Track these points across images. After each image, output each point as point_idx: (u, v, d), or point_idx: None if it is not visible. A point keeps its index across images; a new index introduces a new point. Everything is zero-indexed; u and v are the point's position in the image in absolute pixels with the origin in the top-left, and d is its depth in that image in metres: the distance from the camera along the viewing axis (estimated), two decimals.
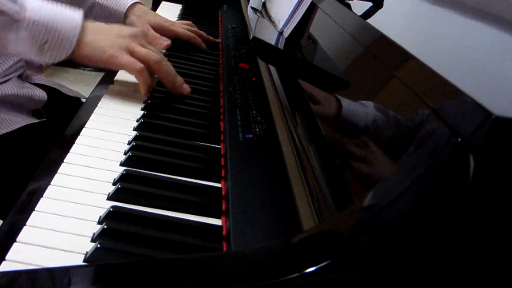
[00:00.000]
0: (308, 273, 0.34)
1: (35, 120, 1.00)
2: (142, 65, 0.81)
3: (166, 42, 1.00)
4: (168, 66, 0.85)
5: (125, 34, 0.83)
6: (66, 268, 0.42)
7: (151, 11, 1.22)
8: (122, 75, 0.92)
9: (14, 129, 0.94)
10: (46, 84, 1.13)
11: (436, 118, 0.36)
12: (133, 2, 1.18)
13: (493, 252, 0.34)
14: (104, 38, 0.81)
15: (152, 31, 0.87)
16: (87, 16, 1.24)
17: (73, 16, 0.79)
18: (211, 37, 1.25)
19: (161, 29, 1.18)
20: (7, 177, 0.91)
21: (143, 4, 1.21)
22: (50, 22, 0.77)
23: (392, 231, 0.34)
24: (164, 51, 1.12)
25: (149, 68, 0.83)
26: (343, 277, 0.35)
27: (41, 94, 1.03)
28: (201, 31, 1.25)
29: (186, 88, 0.88)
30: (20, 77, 1.03)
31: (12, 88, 0.96)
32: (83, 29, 0.79)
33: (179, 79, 0.88)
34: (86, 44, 0.79)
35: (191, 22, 1.28)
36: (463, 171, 0.32)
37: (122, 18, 1.18)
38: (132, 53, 0.82)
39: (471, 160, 0.32)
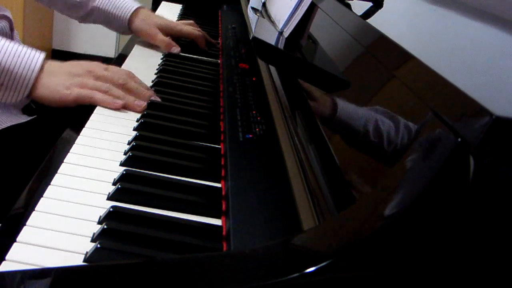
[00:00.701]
0: (308, 273, 0.34)
1: (25, 119, 0.99)
2: (92, 93, 0.81)
3: (149, 92, 0.97)
4: (119, 92, 0.83)
5: (77, 71, 0.83)
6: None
7: (154, 14, 1.23)
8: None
9: (2, 128, 0.93)
10: None
11: (436, 118, 0.36)
12: (136, 7, 1.19)
13: (493, 252, 0.34)
14: (58, 77, 0.81)
15: (136, 79, 0.87)
16: (84, 20, 1.25)
17: (33, 58, 0.80)
18: (211, 39, 1.26)
19: (168, 30, 1.19)
20: (3, 176, 0.91)
21: (146, 8, 1.22)
22: (7, 65, 0.78)
23: (392, 231, 0.34)
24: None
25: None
26: (343, 277, 0.35)
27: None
28: (203, 31, 1.26)
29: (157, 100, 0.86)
30: None
31: None
32: (40, 71, 0.80)
33: (143, 93, 0.85)
34: (41, 86, 0.80)
35: (193, 22, 1.28)
36: (463, 171, 0.32)
37: (126, 23, 1.19)
38: (85, 88, 0.82)
39: (471, 160, 0.32)
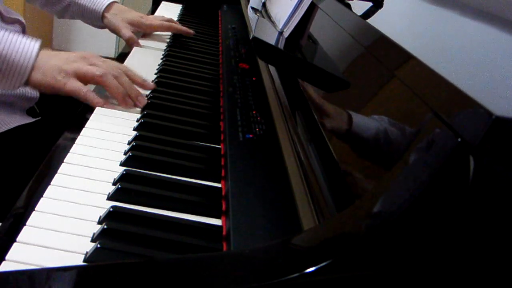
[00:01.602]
0: (308, 273, 0.34)
1: (29, 120, 1.00)
2: (85, 90, 0.82)
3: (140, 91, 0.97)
4: (113, 80, 0.83)
5: (72, 58, 0.84)
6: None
7: (128, 9, 1.27)
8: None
9: (7, 129, 0.93)
10: None
11: (436, 118, 0.36)
12: (110, 1, 1.22)
13: (493, 252, 0.34)
14: (54, 64, 0.82)
15: (130, 74, 0.88)
16: (62, 15, 1.28)
17: (30, 47, 0.81)
18: (185, 28, 1.28)
19: (138, 25, 1.23)
20: (4, 177, 0.91)
21: (119, 4, 1.25)
22: (4, 52, 0.79)
23: (392, 231, 0.34)
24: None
25: (98, 83, 0.84)
26: (343, 277, 0.35)
27: (33, 92, 1.03)
28: (177, 23, 1.29)
29: (142, 100, 0.85)
30: None
31: None
32: (37, 58, 0.81)
33: (134, 91, 0.85)
34: (37, 72, 0.81)
35: (171, 18, 1.31)
36: (463, 171, 0.32)
37: (100, 17, 1.22)
38: (77, 74, 0.82)
39: (471, 160, 0.32)
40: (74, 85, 0.82)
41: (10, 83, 0.81)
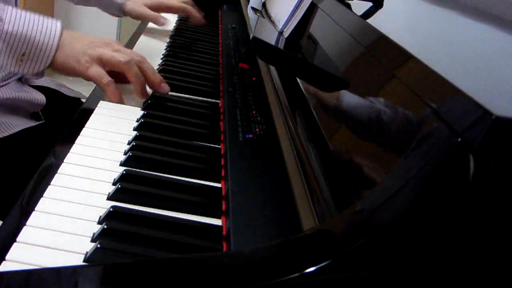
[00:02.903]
0: (308, 273, 0.34)
1: (33, 123, 1.00)
2: (107, 79, 0.81)
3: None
4: (141, 67, 0.84)
5: (97, 43, 0.84)
6: (73, 268, 0.42)
7: None
8: None
9: (12, 132, 0.94)
10: (47, 85, 1.13)
11: (436, 118, 0.36)
12: None
13: (493, 252, 0.34)
14: (78, 47, 0.82)
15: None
16: (84, 2, 1.31)
17: (52, 26, 0.80)
18: (200, 16, 1.32)
19: (158, 6, 1.27)
20: (6, 179, 0.91)
21: None
22: (28, 34, 0.77)
23: (392, 231, 0.34)
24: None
25: (120, 70, 0.83)
26: (343, 277, 0.35)
27: (40, 98, 1.03)
28: (194, 7, 1.33)
29: (165, 87, 0.86)
30: (20, 79, 1.03)
31: (10, 92, 0.96)
32: (60, 38, 0.80)
33: (157, 78, 0.85)
34: (62, 54, 0.80)
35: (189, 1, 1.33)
36: (463, 172, 0.32)
37: (119, 7, 1.27)
38: (101, 59, 0.82)
39: (471, 160, 0.32)
40: (97, 71, 0.81)
41: (35, 66, 0.79)
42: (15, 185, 0.70)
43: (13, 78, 0.99)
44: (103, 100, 0.84)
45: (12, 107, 0.98)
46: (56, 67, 0.81)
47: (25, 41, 0.77)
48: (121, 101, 0.83)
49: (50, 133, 0.98)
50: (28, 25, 0.78)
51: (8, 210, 0.54)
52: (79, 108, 0.83)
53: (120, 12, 1.28)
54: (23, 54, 0.78)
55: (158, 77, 0.85)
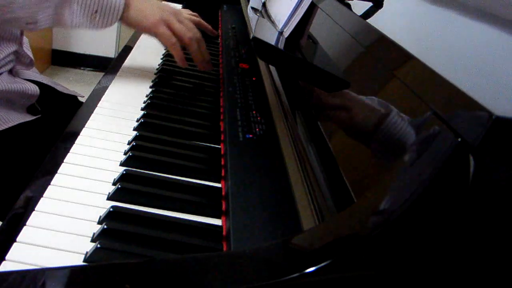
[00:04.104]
0: (308, 273, 0.34)
1: (30, 118, 1.00)
2: (175, 39, 0.90)
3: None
4: (198, 44, 0.94)
5: (166, 9, 0.93)
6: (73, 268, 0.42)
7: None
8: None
9: (8, 126, 0.93)
10: (38, 80, 1.13)
11: (436, 118, 0.36)
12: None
13: (493, 252, 0.34)
14: (148, 6, 0.90)
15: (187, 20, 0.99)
16: None
17: None
18: (210, 27, 1.32)
19: None
20: (4, 175, 0.91)
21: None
22: None
23: (392, 231, 0.34)
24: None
25: (183, 43, 0.92)
26: (343, 277, 0.35)
27: (33, 88, 1.03)
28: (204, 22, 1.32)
29: (209, 66, 0.98)
30: (10, 72, 1.03)
31: (2, 83, 0.96)
32: None
33: (207, 57, 0.97)
34: (131, 9, 0.89)
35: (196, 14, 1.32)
36: (463, 171, 0.32)
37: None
38: (169, 27, 0.90)
39: (471, 160, 0.32)
40: (166, 31, 0.90)
41: (107, 20, 0.87)
42: (14, 181, 0.70)
43: (4, 69, 0.98)
44: (103, 99, 0.84)
45: (6, 100, 0.98)
46: (126, 21, 0.89)
47: (96, 0, 0.86)
48: (184, 63, 0.93)
49: (47, 129, 0.99)
50: None
51: (8, 209, 0.54)
52: (75, 105, 0.83)
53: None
54: (96, 11, 0.86)
55: (207, 57, 0.97)
